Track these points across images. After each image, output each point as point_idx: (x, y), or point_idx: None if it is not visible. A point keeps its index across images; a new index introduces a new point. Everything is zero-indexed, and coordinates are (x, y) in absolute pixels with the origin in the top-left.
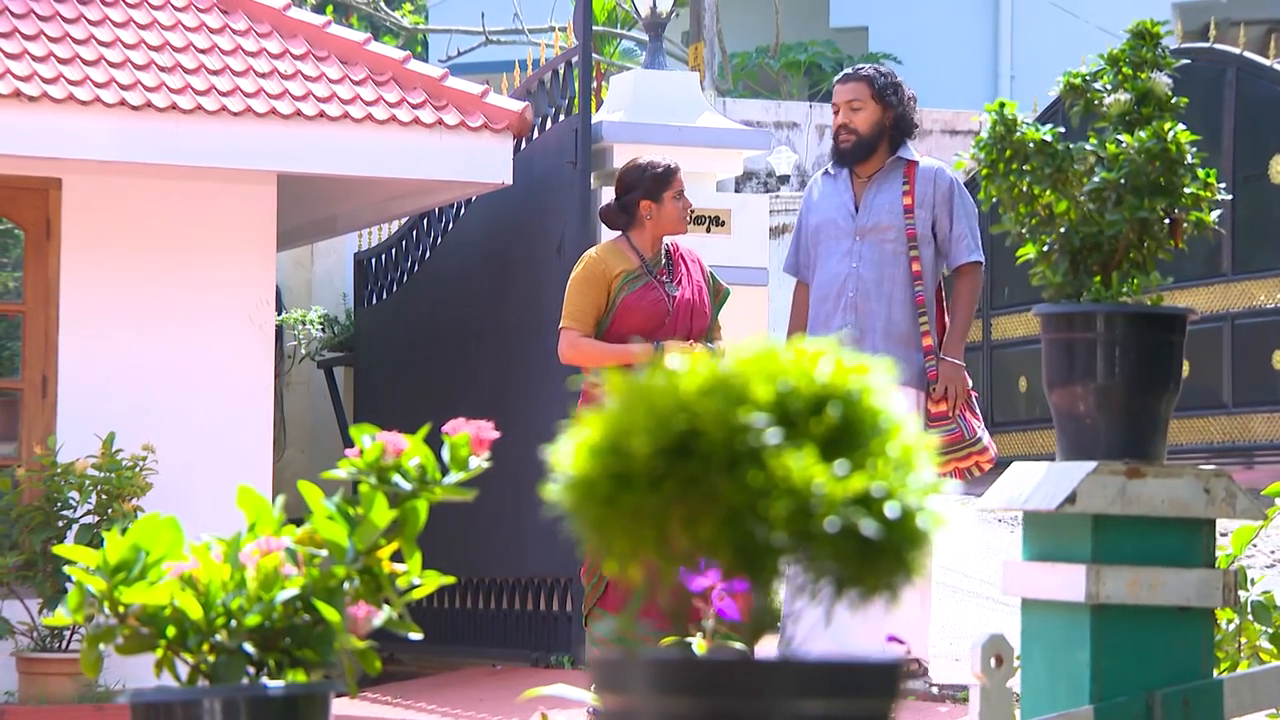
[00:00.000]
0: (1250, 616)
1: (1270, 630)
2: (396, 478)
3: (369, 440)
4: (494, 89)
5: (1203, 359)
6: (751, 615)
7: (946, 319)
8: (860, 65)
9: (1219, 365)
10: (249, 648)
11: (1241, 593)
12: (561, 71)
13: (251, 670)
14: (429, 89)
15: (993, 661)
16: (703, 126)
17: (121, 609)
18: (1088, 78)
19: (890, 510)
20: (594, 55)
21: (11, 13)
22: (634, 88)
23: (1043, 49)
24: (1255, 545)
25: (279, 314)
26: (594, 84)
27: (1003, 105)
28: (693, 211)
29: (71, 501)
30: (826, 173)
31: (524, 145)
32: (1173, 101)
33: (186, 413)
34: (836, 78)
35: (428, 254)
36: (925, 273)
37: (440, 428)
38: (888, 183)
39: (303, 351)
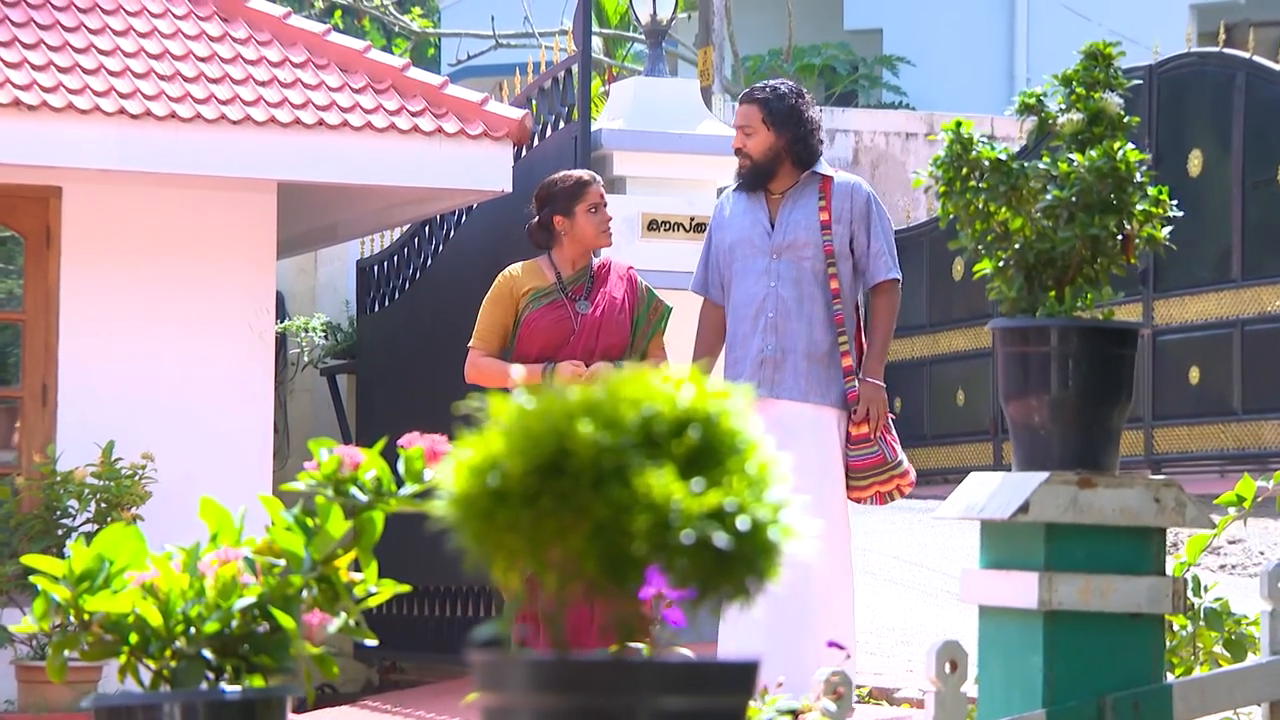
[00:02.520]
0: (1204, 623)
1: (1224, 636)
2: (353, 490)
3: (326, 454)
4: (501, 93)
5: (1213, 365)
6: (619, 619)
7: (864, 338)
8: (762, 85)
9: (1229, 372)
10: (208, 654)
11: (1196, 599)
12: (561, 78)
13: (211, 675)
14: (428, 97)
15: (947, 667)
16: (703, 134)
17: (86, 617)
18: (1041, 97)
19: (741, 523)
20: (607, 59)
21: (11, 21)
22: (634, 95)
23: (1059, 52)
24: (1263, 553)
25: (283, 321)
26: (605, 87)
27: (959, 124)
28: (614, 222)
29: (71, 510)
30: (739, 189)
31: (524, 153)
32: (1124, 121)
33: (186, 421)
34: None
35: (429, 261)
36: (843, 290)
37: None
38: (803, 199)
39: (305, 359)
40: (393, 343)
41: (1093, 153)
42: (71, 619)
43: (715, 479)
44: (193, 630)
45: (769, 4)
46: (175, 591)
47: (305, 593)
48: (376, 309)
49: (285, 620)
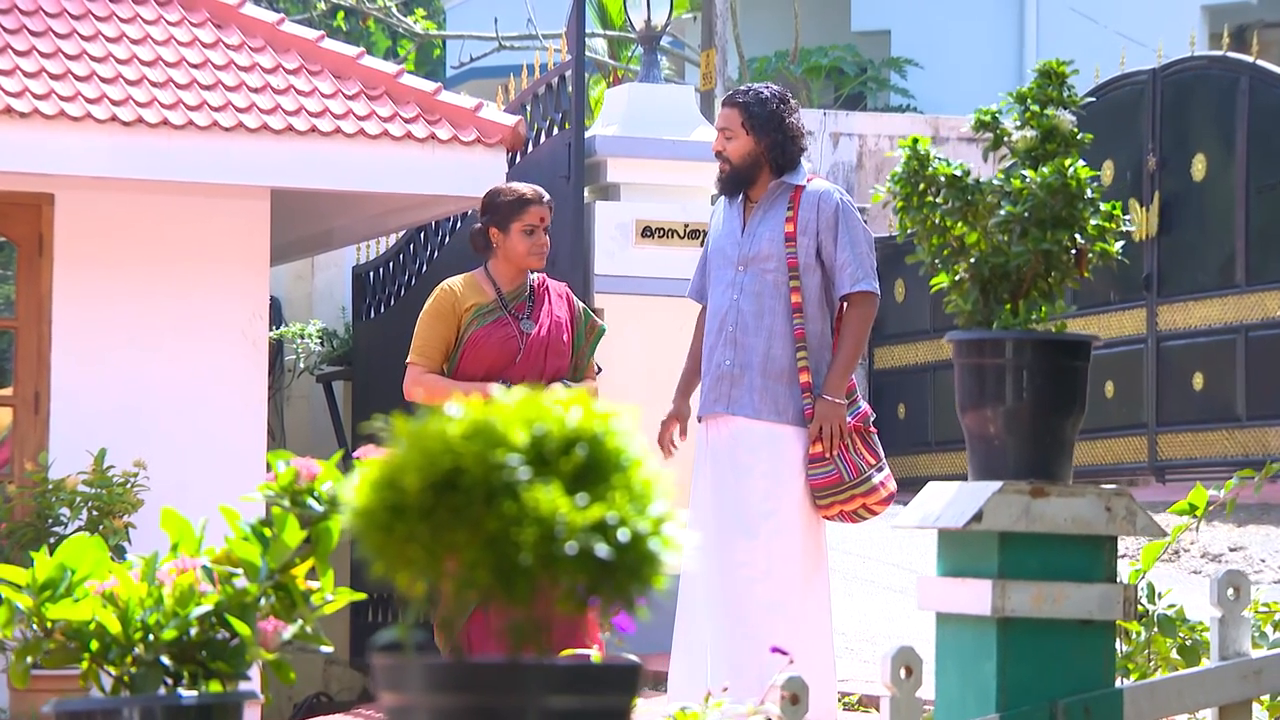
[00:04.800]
0: (1157, 629)
1: (1178, 642)
2: (310, 501)
3: (283, 465)
4: (506, 94)
5: (1217, 371)
6: (512, 626)
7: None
8: (745, 88)
9: (1232, 378)
10: (166, 660)
11: (1151, 606)
12: (556, 84)
13: (169, 681)
14: (422, 103)
15: (902, 672)
16: (697, 140)
17: (48, 624)
18: (997, 114)
19: (622, 535)
20: (612, 61)
21: (3, 28)
22: (628, 101)
23: (1068, 55)
24: (1264, 560)
25: (279, 327)
26: (610, 90)
27: (915, 141)
28: (547, 248)
29: (63, 518)
30: (722, 194)
31: (519, 159)
32: (1077, 138)
33: (179, 428)
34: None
35: (424, 268)
36: (808, 304)
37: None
38: (773, 209)
39: (302, 365)
40: (388, 349)
41: (1044, 169)
42: (35, 626)
43: (600, 494)
44: (151, 637)
45: (775, 5)
46: (134, 600)
47: (262, 601)
48: (372, 315)
49: (241, 627)
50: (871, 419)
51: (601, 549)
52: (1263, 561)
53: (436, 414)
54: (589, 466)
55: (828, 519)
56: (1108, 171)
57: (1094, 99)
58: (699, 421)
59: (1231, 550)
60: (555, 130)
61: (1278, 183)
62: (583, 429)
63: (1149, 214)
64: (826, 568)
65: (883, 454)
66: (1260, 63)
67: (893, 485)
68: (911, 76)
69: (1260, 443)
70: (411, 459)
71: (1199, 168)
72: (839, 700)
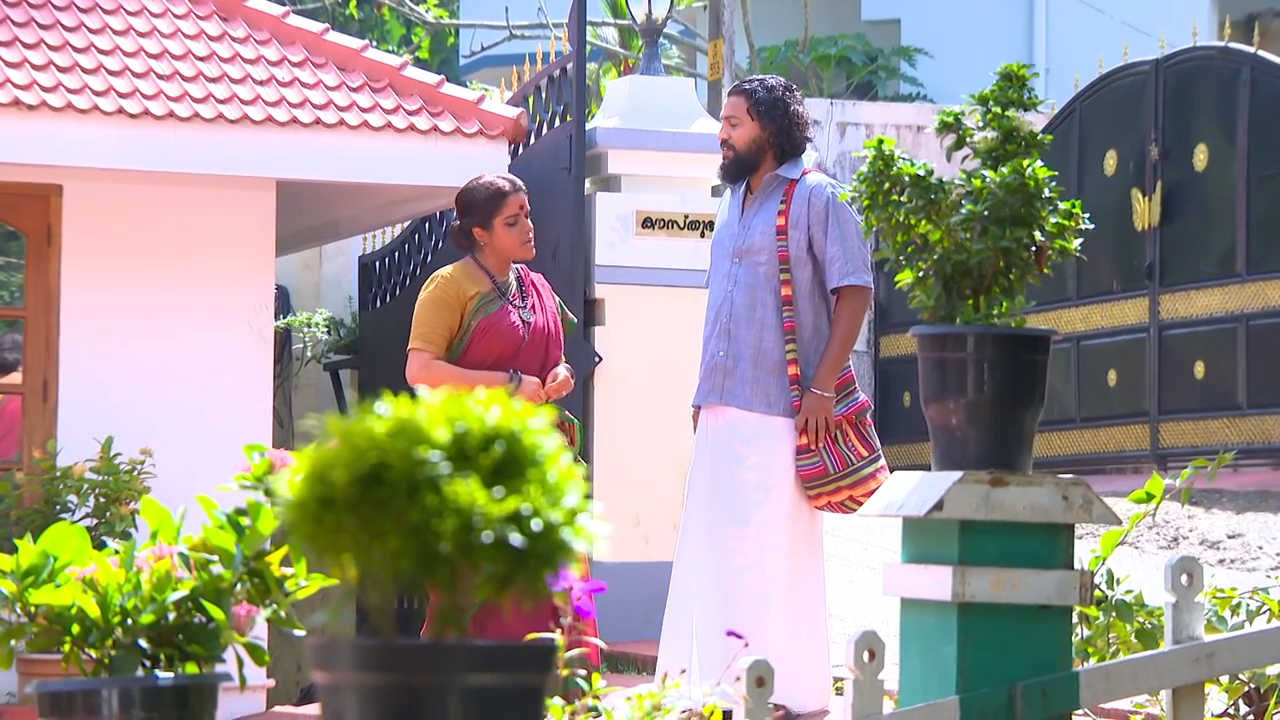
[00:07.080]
0: (1115, 614)
1: (1135, 626)
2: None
3: (257, 457)
4: (510, 85)
5: (1218, 360)
6: (438, 610)
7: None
8: (750, 78)
9: (1234, 366)
10: (144, 643)
11: (1110, 591)
12: (557, 76)
13: (147, 663)
14: (425, 95)
15: (865, 655)
16: (698, 132)
17: (31, 609)
18: (960, 115)
19: (535, 525)
20: (622, 50)
21: (12, 21)
22: (629, 93)
23: (1077, 44)
24: (1261, 547)
25: (287, 316)
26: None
27: (880, 141)
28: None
29: (70, 505)
30: (724, 182)
31: (521, 150)
32: (1037, 139)
33: (186, 417)
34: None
35: (429, 258)
36: (799, 297)
37: None
38: (768, 202)
39: (309, 354)
40: (394, 338)
41: (1004, 169)
42: (19, 611)
43: (516, 487)
44: (129, 621)
45: None
46: (112, 585)
47: (237, 586)
48: (378, 305)
49: (216, 612)
50: (868, 411)
51: (516, 538)
52: (1260, 548)
53: (366, 412)
54: (506, 462)
55: (818, 509)
56: (1110, 161)
57: (1097, 89)
58: (695, 410)
59: (1230, 537)
60: (557, 122)
61: (1278, 173)
62: (501, 427)
63: (1151, 204)
64: (821, 557)
65: (878, 446)
66: (1261, 53)
67: (885, 477)
68: (921, 65)
69: (1261, 430)
70: (340, 455)
71: (1201, 158)
72: (835, 685)
